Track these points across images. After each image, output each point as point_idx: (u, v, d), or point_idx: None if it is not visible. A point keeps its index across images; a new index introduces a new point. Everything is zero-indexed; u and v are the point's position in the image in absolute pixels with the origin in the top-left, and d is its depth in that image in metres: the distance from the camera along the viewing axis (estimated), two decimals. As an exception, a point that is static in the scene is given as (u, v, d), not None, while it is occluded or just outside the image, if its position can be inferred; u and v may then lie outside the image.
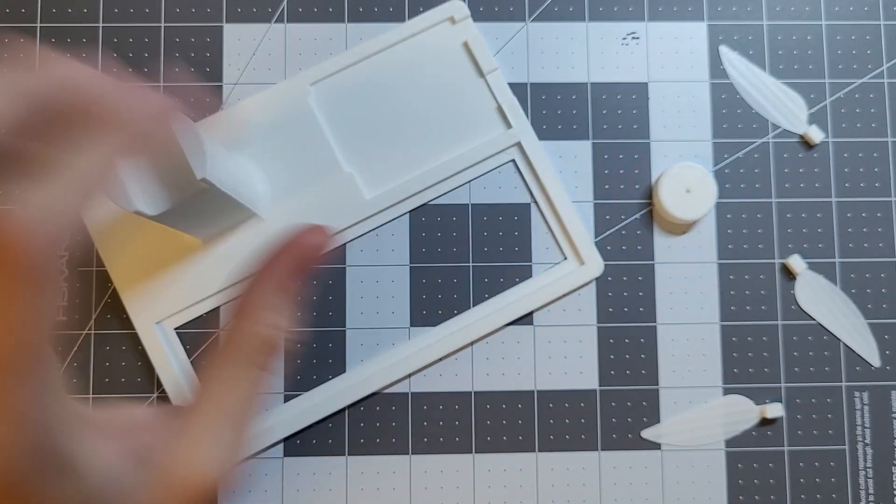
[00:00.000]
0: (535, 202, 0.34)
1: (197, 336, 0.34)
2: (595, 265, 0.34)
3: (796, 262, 0.34)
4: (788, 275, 0.35)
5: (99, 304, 0.34)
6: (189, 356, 0.34)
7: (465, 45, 0.34)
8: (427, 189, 0.34)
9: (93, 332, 0.34)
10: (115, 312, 0.34)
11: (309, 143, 0.34)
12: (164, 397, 0.34)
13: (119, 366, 0.34)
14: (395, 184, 0.34)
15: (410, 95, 0.34)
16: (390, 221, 0.34)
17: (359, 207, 0.34)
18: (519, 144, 0.34)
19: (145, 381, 0.34)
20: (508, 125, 0.34)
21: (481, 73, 0.34)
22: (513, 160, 0.34)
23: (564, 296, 0.34)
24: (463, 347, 0.34)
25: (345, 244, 0.35)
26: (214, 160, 0.27)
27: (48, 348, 0.17)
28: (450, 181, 0.34)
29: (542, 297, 0.34)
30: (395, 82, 0.34)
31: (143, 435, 0.21)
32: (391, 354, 0.34)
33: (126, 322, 0.34)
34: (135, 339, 0.34)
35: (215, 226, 0.33)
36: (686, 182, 0.34)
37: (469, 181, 0.34)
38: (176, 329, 0.33)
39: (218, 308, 0.34)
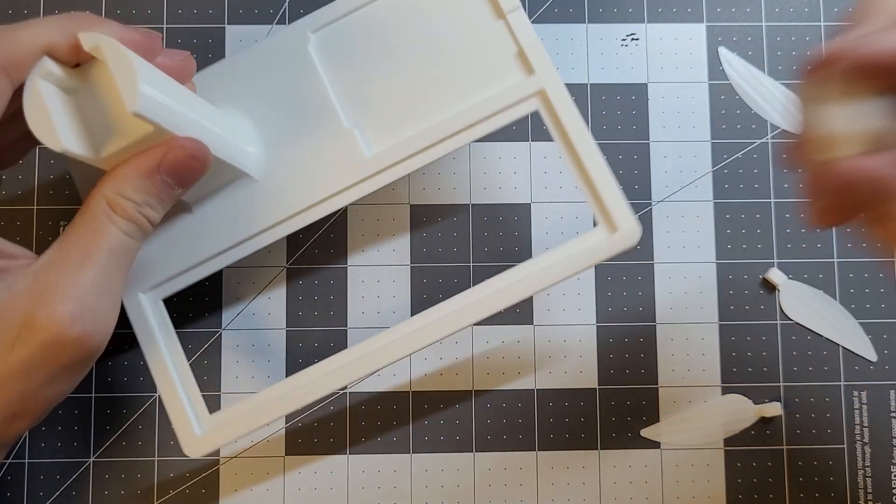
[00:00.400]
0: (562, 158, 0.29)
1: (202, 308, 0.34)
2: (630, 232, 0.28)
3: (775, 275, 0.35)
4: (771, 288, 0.35)
5: (101, 303, 0.34)
6: (191, 328, 0.34)
7: None
8: (434, 145, 0.30)
9: (95, 331, 0.34)
10: (117, 312, 0.34)
11: (307, 95, 0.30)
12: (165, 396, 0.34)
13: (121, 365, 0.34)
14: (399, 140, 0.30)
15: (419, 41, 0.30)
16: (392, 183, 0.30)
17: (359, 166, 0.30)
18: (543, 93, 0.29)
19: (147, 380, 0.34)
20: (531, 71, 0.29)
21: (501, 13, 0.30)
22: (535, 112, 0.29)
23: (591, 266, 0.29)
24: (471, 325, 0.32)
25: (346, 235, 0.35)
26: (160, 95, 0.24)
27: None
28: (458, 137, 0.30)
29: (570, 266, 0.29)
30: (403, 29, 0.31)
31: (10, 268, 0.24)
32: (396, 330, 0.30)
33: (126, 323, 0.34)
34: (135, 338, 0.34)
35: (202, 188, 0.29)
36: None
37: (483, 138, 0.29)
38: (164, 300, 0.31)
39: (206, 279, 0.31)
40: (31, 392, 0.24)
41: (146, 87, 0.23)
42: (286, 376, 0.34)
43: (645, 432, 0.34)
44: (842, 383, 0.35)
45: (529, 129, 0.36)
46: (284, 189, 0.30)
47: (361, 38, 0.31)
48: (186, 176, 0.26)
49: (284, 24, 0.36)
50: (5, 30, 0.23)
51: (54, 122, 0.23)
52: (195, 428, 0.29)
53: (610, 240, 0.28)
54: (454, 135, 0.30)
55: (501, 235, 0.35)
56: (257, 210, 0.30)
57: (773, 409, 0.34)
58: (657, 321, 0.35)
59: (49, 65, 0.23)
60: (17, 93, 0.23)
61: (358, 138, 0.30)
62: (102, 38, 0.23)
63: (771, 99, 0.36)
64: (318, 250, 0.35)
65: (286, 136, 0.30)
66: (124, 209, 0.24)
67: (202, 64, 0.35)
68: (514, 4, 0.30)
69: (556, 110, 0.29)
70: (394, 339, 0.29)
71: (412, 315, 0.34)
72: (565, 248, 0.29)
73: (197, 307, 0.34)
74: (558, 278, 0.29)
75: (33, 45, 0.23)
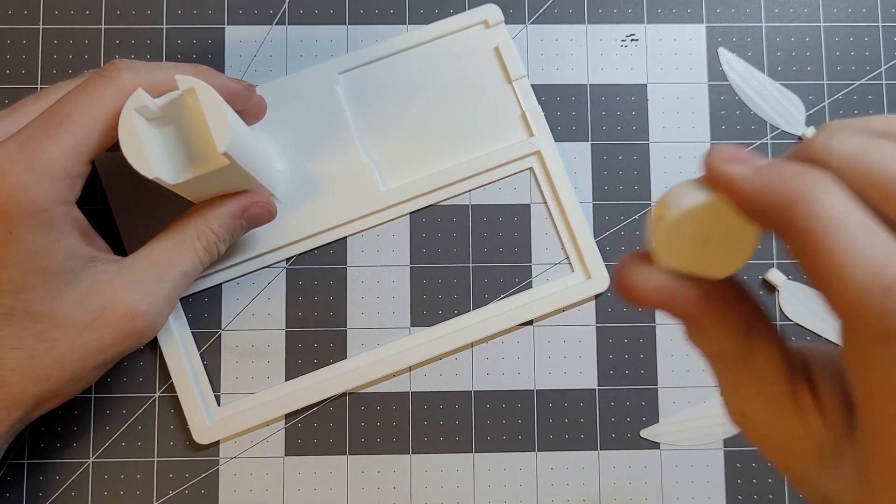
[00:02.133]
0: (549, 212, 0.35)
1: (202, 308, 0.34)
2: (602, 280, 0.34)
3: (775, 276, 0.35)
4: (771, 289, 0.35)
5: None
6: (192, 328, 0.34)
7: (497, 49, 0.35)
8: (442, 188, 0.34)
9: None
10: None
11: (332, 129, 0.34)
12: (165, 397, 0.34)
13: (121, 365, 0.34)
14: (412, 179, 0.34)
15: (436, 94, 0.35)
16: (400, 217, 0.35)
17: (374, 198, 0.34)
18: (539, 153, 0.34)
19: (147, 380, 0.34)
20: (530, 133, 0.35)
21: (509, 79, 0.35)
22: (530, 168, 0.35)
23: (565, 308, 0.34)
24: (461, 349, 0.34)
25: (346, 238, 0.35)
26: (237, 135, 0.27)
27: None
28: (465, 182, 0.35)
29: (544, 306, 0.34)
30: (423, 80, 0.35)
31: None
32: (391, 347, 0.34)
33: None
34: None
35: None
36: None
37: (484, 185, 0.35)
38: (181, 300, 0.34)
39: (220, 285, 0.34)
40: (83, 374, 0.28)
41: (233, 132, 0.26)
42: (286, 376, 0.34)
43: (644, 433, 0.34)
44: (841, 384, 0.35)
45: (529, 129, 0.36)
46: (303, 211, 0.34)
47: (385, 84, 0.35)
48: (256, 224, 0.32)
49: (284, 25, 0.36)
50: (151, 66, 0.28)
51: (146, 151, 0.26)
52: (205, 417, 0.33)
53: (584, 285, 0.34)
54: (460, 181, 0.35)
55: (501, 236, 0.35)
56: (277, 227, 0.33)
57: (773, 409, 0.34)
58: (657, 321, 0.35)
59: (144, 97, 0.26)
60: None
61: (375, 173, 0.34)
62: (196, 83, 0.26)
63: (770, 100, 0.36)
64: (317, 250, 0.35)
65: (309, 164, 0.34)
66: (208, 240, 0.29)
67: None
68: (520, 73, 0.35)
69: (549, 170, 0.35)
70: (384, 357, 0.34)
71: (412, 315, 0.34)
72: (544, 289, 0.34)
73: (197, 307, 0.34)
74: (534, 315, 0.34)
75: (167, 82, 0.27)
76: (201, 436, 0.33)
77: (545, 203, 0.35)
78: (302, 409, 0.34)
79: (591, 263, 0.34)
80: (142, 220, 0.34)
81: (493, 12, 0.35)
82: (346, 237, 0.34)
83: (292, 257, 0.35)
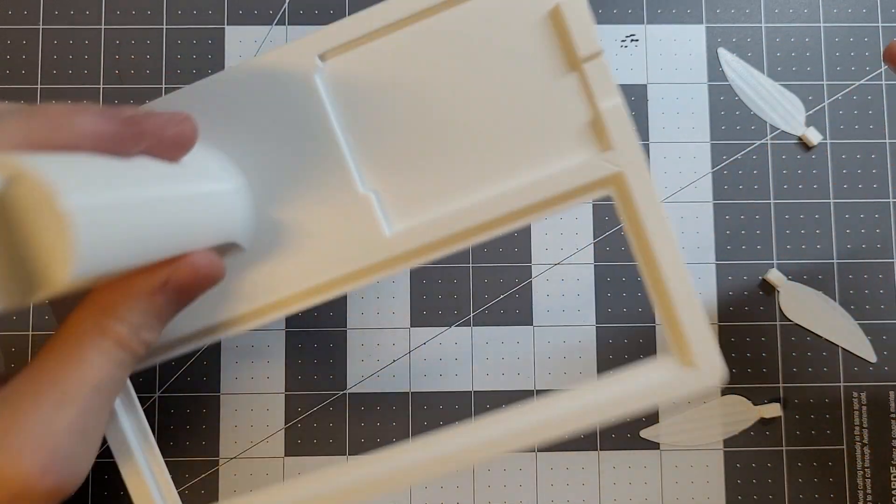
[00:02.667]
0: (641, 270, 0.23)
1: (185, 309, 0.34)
2: (712, 371, 0.22)
3: (775, 276, 0.35)
4: (770, 289, 0.35)
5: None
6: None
7: (554, 12, 0.22)
8: (469, 234, 0.22)
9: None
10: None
11: (312, 143, 0.23)
12: (164, 397, 0.34)
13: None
14: (428, 218, 0.23)
15: (461, 86, 0.22)
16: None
17: (376, 247, 0.23)
18: (620, 177, 0.22)
19: (146, 381, 0.34)
20: (607, 145, 0.22)
21: (575, 61, 0.22)
22: (608, 198, 0.23)
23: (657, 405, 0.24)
24: (475, 325, 0.34)
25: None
26: (114, 219, 0.17)
27: None
28: (503, 226, 0.22)
29: (633, 405, 0.22)
30: (441, 66, 0.22)
31: None
32: (407, 455, 0.23)
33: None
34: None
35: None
36: None
37: (530, 223, 0.24)
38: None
39: (193, 353, 0.28)
40: None
41: (84, 250, 0.16)
42: (285, 377, 0.34)
43: (644, 433, 0.34)
44: (841, 384, 0.35)
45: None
46: (275, 266, 0.23)
47: (384, 73, 0.23)
48: (194, 294, 0.21)
49: (284, 25, 0.36)
50: None
51: None
52: None
53: (684, 376, 0.22)
54: (496, 223, 0.22)
55: (500, 236, 0.35)
56: (242, 287, 0.23)
57: (773, 409, 0.34)
58: (656, 322, 0.35)
59: None
60: None
61: (376, 210, 0.23)
62: (21, 163, 0.15)
63: (770, 100, 0.36)
64: (345, 293, 0.35)
65: (282, 195, 0.23)
66: (118, 335, 0.20)
67: (201, 69, 0.35)
68: (594, 49, 0.22)
69: (637, 203, 0.22)
70: (408, 465, 0.23)
71: (411, 315, 0.34)
72: (629, 380, 0.23)
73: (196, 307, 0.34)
74: (617, 415, 0.22)
75: None
76: None
77: (633, 252, 0.23)
78: (303, 417, 0.34)
79: (696, 345, 0.22)
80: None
81: None
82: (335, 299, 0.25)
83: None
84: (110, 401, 0.21)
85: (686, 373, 0.22)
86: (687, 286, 0.22)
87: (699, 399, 0.34)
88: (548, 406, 0.24)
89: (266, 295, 0.23)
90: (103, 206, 0.17)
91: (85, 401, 0.20)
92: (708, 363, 0.22)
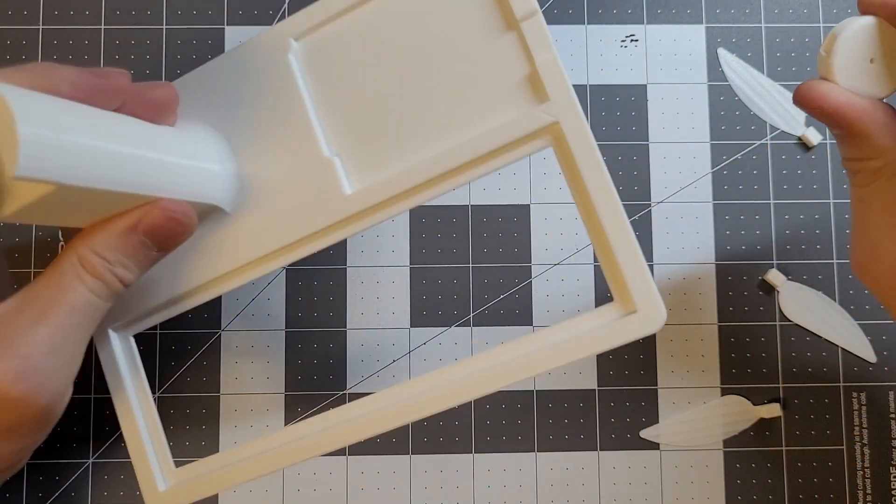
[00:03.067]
0: (581, 216, 0.24)
1: (201, 309, 0.34)
2: (653, 316, 0.23)
3: (775, 276, 0.35)
4: (770, 289, 0.35)
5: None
6: (191, 329, 0.34)
7: None
8: (422, 186, 0.25)
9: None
10: (117, 313, 0.34)
11: (285, 115, 0.26)
12: (164, 397, 0.34)
13: (120, 366, 0.34)
14: (385, 176, 0.25)
15: (417, 55, 0.25)
16: (379, 225, 0.27)
17: (338, 204, 0.25)
18: (556, 128, 0.23)
19: (147, 380, 0.34)
20: (544, 97, 0.24)
21: (514, 20, 0.24)
22: (549, 149, 0.24)
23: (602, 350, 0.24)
24: (476, 325, 0.34)
25: (345, 243, 0.35)
26: (82, 142, 0.20)
27: None
28: (451, 180, 0.25)
29: (573, 351, 0.23)
30: (394, 37, 0.25)
31: None
32: (389, 393, 0.26)
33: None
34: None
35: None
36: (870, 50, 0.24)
37: (479, 178, 0.25)
38: (135, 336, 0.29)
39: (177, 317, 0.29)
40: None
41: (35, 142, 0.19)
42: (285, 377, 0.34)
43: (644, 433, 0.34)
44: (841, 384, 0.35)
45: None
46: (256, 227, 0.26)
47: (350, 48, 0.26)
48: (167, 239, 0.24)
49: (284, 25, 0.36)
50: None
51: None
52: (158, 482, 0.27)
53: (624, 322, 0.23)
54: (444, 178, 0.24)
55: (500, 236, 0.35)
56: (227, 248, 0.26)
57: (773, 410, 0.34)
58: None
59: None
60: None
61: (339, 171, 0.25)
62: None
63: (770, 100, 0.36)
64: (317, 251, 0.35)
65: (261, 164, 0.26)
66: (94, 267, 0.23)
67: (202, 65, 0.35)
68: (531, 8, 0.24)
69: (574, 152, 0.23)
70: (389, 403, 0.25)
71: (411, 315, 0.34)
72: (570, 327, 0.24)
73: (196, 308, 0.34)
74: (559, 363, 0.23)
75: None
76: (153, 501, 0.27)
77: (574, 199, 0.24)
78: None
79: (637, 291, 0.23)
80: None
81: None
82: (309, 256, 0.27)
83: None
84: (86, 324, 0.23)
85: (628, 319, 0.23)
86: (625, 232, 0.23)
87: (699, 399, 0.34)
88: (490, 357, 0.24)
89: (249, 253, 0.26)
90: (57, 127, 0.20)
91: (60, 318, 0.22)
92: (649, 308, 0.22)
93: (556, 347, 0.23)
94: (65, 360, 0.23)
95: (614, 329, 0.23)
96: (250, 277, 0.27)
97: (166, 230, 0.24)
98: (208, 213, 0.26)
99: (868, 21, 0.24)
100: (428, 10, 0.25)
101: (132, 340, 0.28)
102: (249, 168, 0.26)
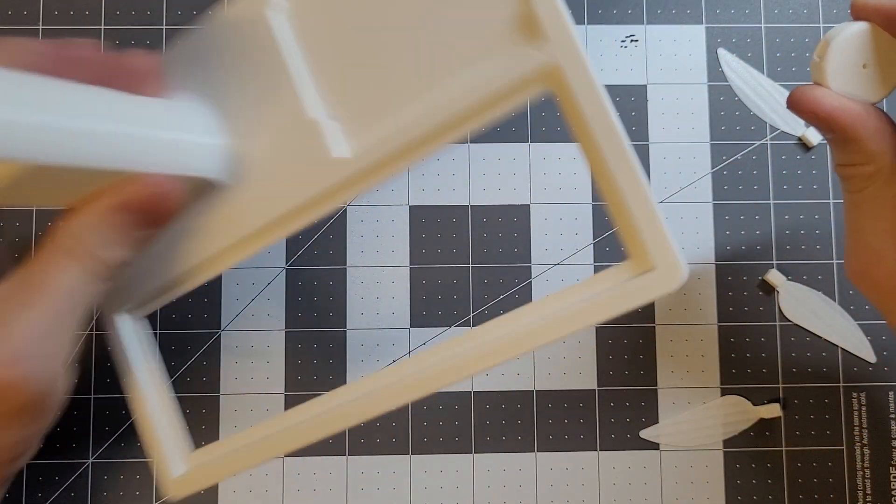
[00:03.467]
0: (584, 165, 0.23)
1: (201, 309, 0.34)
2: (674, 271, 0.20)
3: (775, 277, 0.35)
4: (770, 289, 0.35)
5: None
6: (190, 329, 0.34)
7: None
8: (418, 144, 0.22)
9: (94, 332, 0.34)
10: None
11: (269, 79, 0.24)
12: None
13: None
14: (377, 136, 0.23)
15: (400, 6, 0.23)
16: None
17: (325, 169, 0.23)
18: (557, 70, 0.21)
19: (146, 381, 0.34)
20: (542, 37, 0.21)
21: None
22: (550, 93, 0.21)
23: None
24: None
25: (345, 236, 0.35)
26: (46, 118, 0.19)
27: None
28: (448, 133, 0.22)
29: (590, 315, 0.21)
30: None
31: None
32: (394, 369, 0.24)
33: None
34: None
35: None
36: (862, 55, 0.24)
37: (481, 138, 0.24)
38: (144, 317, 0.28)
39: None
40: None
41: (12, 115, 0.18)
42: (285, 377, 0.34)
43: (644, 433, 0.34)
44: (841, 385, 0.35)
45: (529, 130, 0.36)
46: (251, 199, 0.25)
47: (331, 9, 0.24)
48: (153, 215, 0.23)
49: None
50: None
51: None
52: (173, 467, 0.26)
53: (641, 280, 0.21)
54: (439, 131, 0.22)
55: (500, 237, 0.35)
56: (226, 222, 0.25)
57: (773, 410, 0.34)
58: (656, 322, 0.35)
59: None
60: None
61: (325, 133, 0.23)
62: None
63: (770, 100, 0.36)
64: (317, 251, 0.35)
65: (251, 133, 0.25)
66: (80, 249, 0.22)
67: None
68: None
69: (576, 97, 0.21)
70: (393, 380, 0.24)
71: (411, 315, 0.34)
72: (582, 290, 0.22)
73: (196, 308, 0.34)
74: (572, 329, 0.21)
75: None
76: (170, 489, 0.26)
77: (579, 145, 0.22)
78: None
79: (653, 245, 0.20)
80: None
81: None
82: (303, 227, 0.25)
83: (291, 259, 0.35)
84: (76, 307, 0.23)
85: (645, 277, 0.20)
86: (637, 183, 0.20)
87: (699, 399, 0.34)
88: (496, 328, 0.22)
89: (243, 227, 0.25)
90: (17, 101, 0.18)
91: (51, 302, 0.22)
92: (667, 264, 0.20)
93: (566, 312, 0.21)
94: (56, 345, 0.22)
95: (631, 288, 0.21)
96: (252, 251, 0.25)
97: (150, 206, 0.23)
98: (205, 189, 0.25)
99: (861, 27, 0.24)
100: None
101: (144, 322, 0.28)
102: (240, 138, 0.25)
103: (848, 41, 0.24)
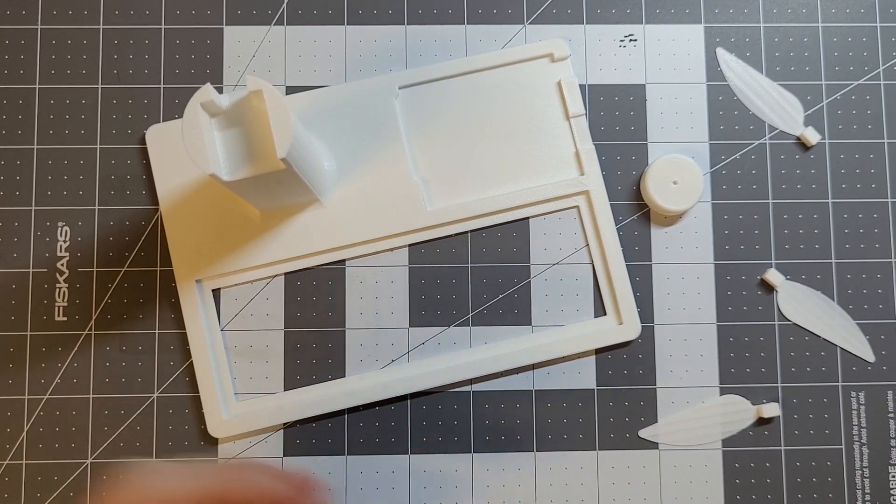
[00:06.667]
0: (589, 255, 0.35)
1: (233, 302, 0.34)
2: (632, 328, 0.34)
3: (774, 276, 0.35)
4: (769, 289, 0.35)
5: (99, 304, 0.34)
6: (220, 321, 0.34)
7: (559, 84, 0.35)
8: (486, 216, 0.34)
9: (93, 332, 0.34)
10: (116, 312, 0.34)
11: (385, 143, 0.34)
12: (163, 397, 0.34)
13: (119, 366, 0.34)
14: (458, 202, 0.34)
15: (492, 120, 0.35)
16: (444, 237, 0.35)
17: (419, 216, 0.34)
18: (587, 194, 0.35)
19: (146, 380, 0.34)
20: (581, 171, 0.35)
21: (567, 115, 0.35)
22: (576, 207, 0.35)
23: (596, 352, 0.35)
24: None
25: (382, 252, 0.35)
26: (296, 141, 0.27)
27: None
28: (509, 213, 0.35)
29: (572, 346, 0.34)
30: (481, 105, 0.35)
31: None
32: (391, 371, 0.34)
33: (126, 321, 0.34)
34: (134, 339, 0.34)
35: (278, 201, 0.33)
36: (672, 174, 0.34)
37: (528, 217, 0.35)
38: (214, 291, 0.34)
39: (259, 280, 0.34)
40: None
41: (294, 139, 0.27)
42: (284, 376, 0.34)
43: (643, 433, 0.34)
44: (839, 384, 0.35)
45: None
46: (347, 219, 0.34)
47: (444, 105, 0.35)
48: None
49: (283, 25, 0.36)
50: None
51: (206, 147, 0.27)
52: (223, 411, 0.33)
53: (616, 331, 0.34)
54: (504, 210, 0.35)
55: (500, 237, 0.35)
56: (320, 232, 0.34)
57: (771, 409, 0.34)
58: (655, 322, 0.35)
59: (211, 93, 0.27)
60: None
61: (422, 191, 0.34)
62: (264, 85, 0.27)
63: (769, 100, 0.36)
64: (390, 248, 0.35)
65: (360, 172, 0.34)
66: None
67: (200, 70, 0.35)
68: (580, 111, 0.35)
69: (595, 212, 0.35)
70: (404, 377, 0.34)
71: (410, 315, 0.34)
72: (574, 329, 0.34)
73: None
74: (562, 354, 0.34)
75: None
76: (217, 429, 0.33)
77: (587, 246, 0.35)
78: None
79: (625, 311, 0.34)
80: (191, 240, 0.34)
81: (559, 47, 0.35)
82: (382, 251, 0.35)
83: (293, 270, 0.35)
84: None
85: (617, 328, 0.34)
86: (623, 273, 0.35)
87: (698, 398, 0.34)
88: (507, 345, 0.34)
89: (339, 238, 0.34)
90: (296, 129, 0.28)
91: None
92: (631, 323, 0.34)
93: (561, 344, 0.34)
94: None
95: (607, 333, 0.34)
96: (335, 258, 0.34)
97: None
98: (309, 205, 0.34)
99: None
100: (509, 90, 0.35)
101: (211, 293, 0.34)
102: (348, 176, 0.34)
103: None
